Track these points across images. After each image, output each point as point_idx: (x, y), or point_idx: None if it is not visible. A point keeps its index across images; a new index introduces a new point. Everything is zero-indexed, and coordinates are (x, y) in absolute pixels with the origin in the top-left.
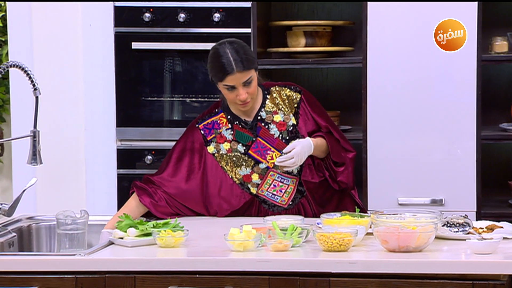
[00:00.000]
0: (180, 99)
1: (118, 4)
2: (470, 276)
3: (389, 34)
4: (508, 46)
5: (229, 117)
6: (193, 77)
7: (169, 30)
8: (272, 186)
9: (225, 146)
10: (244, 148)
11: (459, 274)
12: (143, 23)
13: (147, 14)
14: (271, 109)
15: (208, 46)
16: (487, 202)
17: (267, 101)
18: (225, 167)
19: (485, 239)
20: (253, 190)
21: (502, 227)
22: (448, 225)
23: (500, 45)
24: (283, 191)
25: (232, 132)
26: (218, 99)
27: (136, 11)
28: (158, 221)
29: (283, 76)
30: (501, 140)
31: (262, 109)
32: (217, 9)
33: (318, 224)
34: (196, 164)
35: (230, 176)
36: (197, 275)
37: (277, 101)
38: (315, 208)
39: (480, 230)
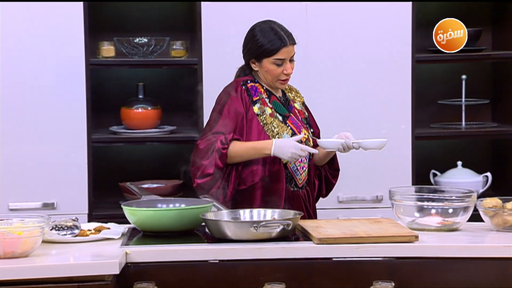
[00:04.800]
0: None
1: None
2: (77, 278)
3: None
4: (115, 50)
5: (264, 89)
6: None
7: None
8: (300, 160)
9: (268, 110)
10: (282, 117)
11: (66, 277)
12: None
13: None
14: (291, 98)
15: None
16: (99, 204)
17: (285, 91)
18: (269, 131)
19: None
20: (284, 159)
21: (109, 228)
22: (57, 228)
23: (107, 50)
24: (304, 168)
25: (270, 101)
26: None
27: None
28: None
29: None
30: (112, 142)
31: (286, 95)
32: None
33: None
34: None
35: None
36: None
37: (291, 94)
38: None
39: (88, 232)
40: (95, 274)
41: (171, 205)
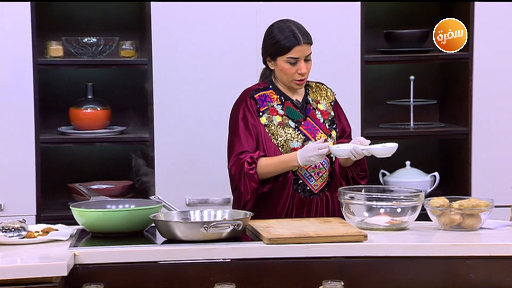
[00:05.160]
0: None
1: None
2: (24, 280)
3: None
4: (63, 50)
5: (279, 95)
6: None
7: None
8: (313, 166)
9: (277, 119)
10: (295, 124)
11: (13, 279)
12: None
13: None
14: (315, 98)
15: None
16: (47, 205)
17: (309, 91)
18: (276, 141)
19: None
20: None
21: (57, 230)
22: (4, 230)
23: (55, 49)
24: (320, 174)
25: (282, 108)
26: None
27: None
28: None
29: None
30: (61, 143)
31: (308, 96)
32: None
33: None
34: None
35: (281, 151)
36: None
37: (317, 93)
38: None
39: (36, 234)
40: (43, 276)
41: (120, 206)
